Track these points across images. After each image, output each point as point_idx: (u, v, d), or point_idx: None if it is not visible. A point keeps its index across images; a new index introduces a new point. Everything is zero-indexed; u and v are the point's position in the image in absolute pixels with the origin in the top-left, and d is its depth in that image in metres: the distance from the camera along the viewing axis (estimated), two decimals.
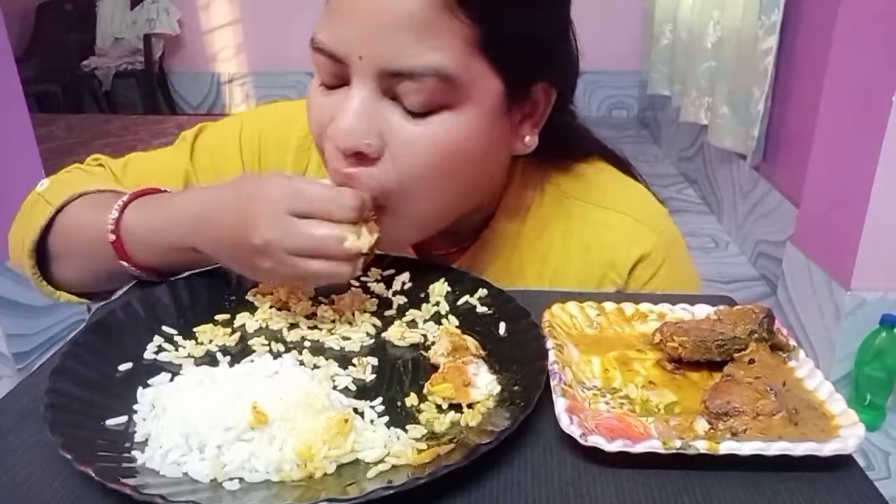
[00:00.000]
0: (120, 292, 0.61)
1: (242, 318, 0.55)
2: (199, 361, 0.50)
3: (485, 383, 0.46)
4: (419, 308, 0.57)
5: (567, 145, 0.68)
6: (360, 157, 0.54)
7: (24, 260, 0.64)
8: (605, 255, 0.67)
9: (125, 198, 0.60)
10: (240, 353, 0.51)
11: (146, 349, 0.51)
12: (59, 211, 0.63)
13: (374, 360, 0.50)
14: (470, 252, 0.69)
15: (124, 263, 0.60)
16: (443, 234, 0.65)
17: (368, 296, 0.59)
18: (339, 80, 0.55)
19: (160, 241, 0.58)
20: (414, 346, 0.53)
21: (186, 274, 0.59)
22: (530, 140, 0.62)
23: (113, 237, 0.59)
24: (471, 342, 0.51)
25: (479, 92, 0.55)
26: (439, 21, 0.51)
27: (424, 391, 0.47)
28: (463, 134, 0.55)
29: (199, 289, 0.58)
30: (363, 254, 0.52)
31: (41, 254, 0.64)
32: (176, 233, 0.57)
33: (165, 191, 0.64)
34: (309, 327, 0.54)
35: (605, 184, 0.71)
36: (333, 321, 0.55)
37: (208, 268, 0.60)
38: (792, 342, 0.51)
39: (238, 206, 0.52)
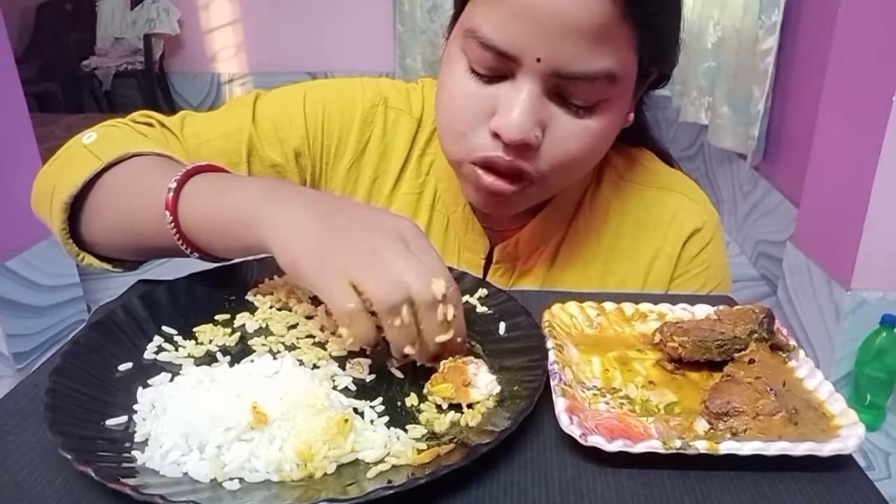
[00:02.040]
0: (120, 292, 0.61)
1: (242, 318, 0.55)
2: (199, 361, 0.50)
3: (485, 383, 0.46)
4: None
5: (636, 129, 0.72)
6: (522, 148, 0.58)
7: (54, 213, 0.60)
8: (660, 230, 0.72)
9: (193, 165, 0.56)
10: (240, 353, 0.51)
11: (146, 349, 0.51)
12: (106, 168, 0.60)
13: (373, 361, 0.50)
14: (529, 226, 0.72)
15: (172, 229, 0.54)
16: None
17: None
18: (497, 73, 0.58)
19: (222, 206, 0.53)
20: None
21: (186, 274, 0.59)
22: (632, 115, 0.67)
23: (171, 194, 0.54)
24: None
25: (629, 85, 0.61)
26: (613, 27, 0.55)
27: (424, 391, 0.47)
28: (614, 123, 0.62)
29: (199, 289, 0.58)
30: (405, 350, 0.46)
31: (72, 210, 0.60)
32: (245, 195, 0.52)
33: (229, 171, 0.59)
34: (309, 328, 0.54)
35: (658, 169, 0.76)
36: (334, 321, 0.55)
37: (209, 268, 0.60)
38: (792, 342, 0.51)
39: (356, 204, 0.52)
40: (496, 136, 0.58)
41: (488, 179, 0.60)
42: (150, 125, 0.70)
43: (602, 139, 0.61)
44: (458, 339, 0.47)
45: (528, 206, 0.67)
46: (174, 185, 0.54)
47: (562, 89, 0.57)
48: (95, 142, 0.62)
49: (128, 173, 0.60)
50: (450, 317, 0.45)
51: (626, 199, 0.73)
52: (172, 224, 0.54)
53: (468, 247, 0.73)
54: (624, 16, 0.54)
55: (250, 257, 0.58)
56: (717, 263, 0.73)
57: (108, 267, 0.64)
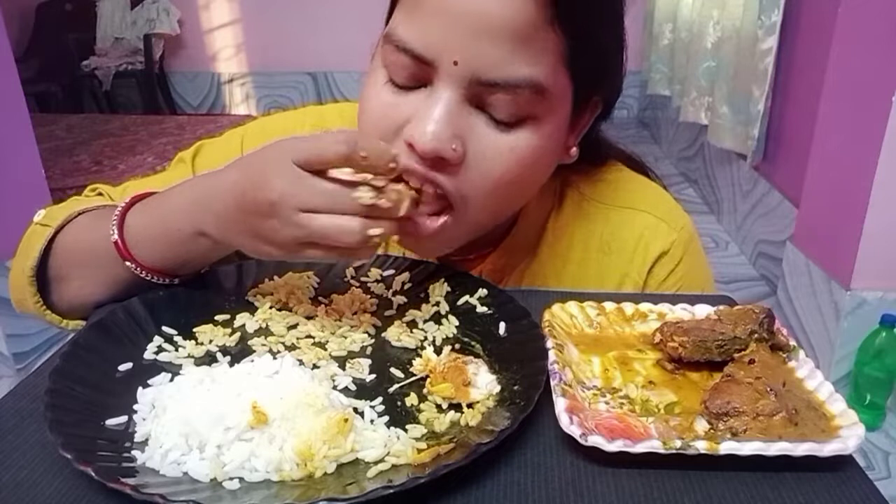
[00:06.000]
0: None
1: (242, 318, 0.55)
2: (199, 361, 0.50)
3: (485, 383, 0.46)
4: (419, 308, 0.57)
5: (593, 152, 0.68)
6: (439, 162, 0.53)
7: (26, 289, 0.61)
8: (625, 255, 0.68)
9: (126, 201, 0.58)
10: (240, 353, 0.51)
11: (146, 349, 0.51)
12: (57, 232, 0.61)
13: (373, 361, 0.50)
14: (491, 258, 0.69)
15: (129, 264, 0.56)
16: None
17: (368, 296, 0.59)
18: (416, 81, 0.54)
19: (166, 232, 0.55)
20: (413, 347, 0.53)
21: None
22: (575, 151, 0.62)
23: (115, 237, 0.56)
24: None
25: (559, 105, 0.56)
26: (538, 33, 0.51)
27: (424, 391, 0.47)
28: (542, 144, 0.56)
29: (199, 289, 0.58)
30: (388, 218, 0.49)
31: (42, 282, 0.61)
32: (181, 218, 0.55)
33: None
34: (309, 328, 0.54)
35: (624, 185, 0.72)
36: (334, 321, 0.55)
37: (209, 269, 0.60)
38: (792, 342, 0.51)
39: (246, 166, 0.51)
40: (411, 146, 0.53)
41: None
42: (100, 195, 0.71)
43: (529, 164, 0.56)
44: (392, 158, 0.48)
45: (457, 243, 0.61)
46: (116, 235, 0.56)
47: (483, 99, 0.53)
48: (44, 216, 0.64)
49: (76, 228, 0.62)
50: (397, 193, 0.48)
51: (590, 223, 0.69)
52: (138, 269, 0.56)
53: None
54: (549, 20, 0.51)
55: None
56: (690, 282, 0.69)
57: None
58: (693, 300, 0.57)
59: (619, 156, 0.74)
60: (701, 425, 0.43)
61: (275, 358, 0.47)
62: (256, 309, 0.56)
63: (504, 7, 0.50)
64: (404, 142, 0.54)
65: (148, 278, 0.57)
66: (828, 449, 0.40)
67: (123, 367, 0.48)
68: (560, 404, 0.43)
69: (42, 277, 0.61)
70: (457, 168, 0.54)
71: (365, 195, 0.47)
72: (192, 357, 0.50)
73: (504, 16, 0.50)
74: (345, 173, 0.48)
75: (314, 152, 0.47)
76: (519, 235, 0.68)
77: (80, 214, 0.63)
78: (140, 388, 0.45)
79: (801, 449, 0.39)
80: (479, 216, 0.58)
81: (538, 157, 0.57)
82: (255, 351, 0.51)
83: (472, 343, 0.53)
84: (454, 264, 0.68)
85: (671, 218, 0.70)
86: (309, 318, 0.56)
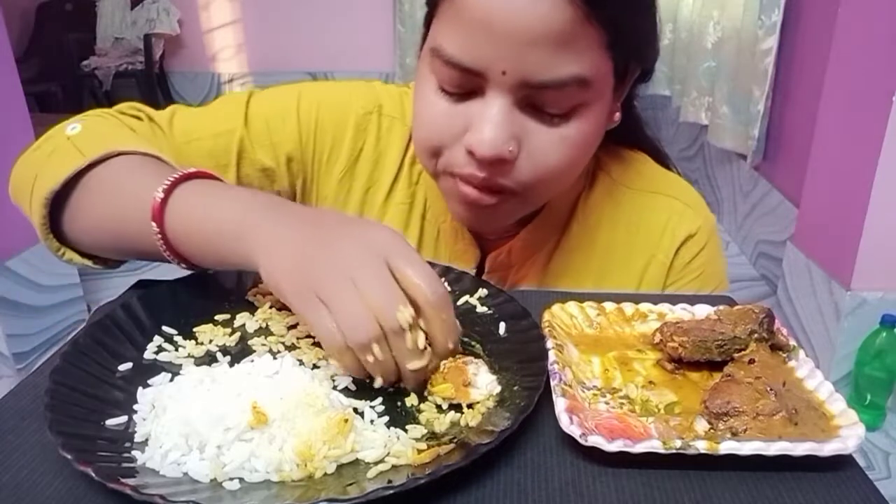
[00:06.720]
0: (120, 292, 0.61)
1: (242, 318, 0.55)
2: (199, 361, 0.50)
3: (485, 383, 0.46)
4: None
5: (629, 127, 0.70)
6: (497, 163, 0.57)
7: (35, 207, 0.58)
8: (654, 236, 0.71)
9: (181, 172, 0.55)
10: (240, 353, 0.51)
11: (146, 349, 0.51)
12: (90, 165, 0.58)
13: None
14: (521, 235, 0.71)
15: (154, 225, 0.53)
16: None
17: None
18: (467, 90, 0.57)
19: (210, 219, 0.52)
20: None
21: (186, 274, 0.59)
22: (618, 115, 0.65)
23: (158, 203, 0.53)
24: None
25: (604, 87, 0.59)
26: (577, 31, 0.53)
27: (424, 391, 0.47)
28: (593, 127, 0.60)
29: (199, 289, 0.58)
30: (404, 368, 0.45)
31: (53, 204, 0.59)
32: (233, 211, 0.51)
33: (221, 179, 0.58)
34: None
35: (653, 173, 0.75)
36: None
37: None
38: (792, 342, 0.51)
39: (342, 218, 0.51)
40: (471, 153, 0.57)
41: (467, 190, 0.59)
42: (139, 118, 0.69)
43: (582, 146, 0.60)
44: (450, 346, 0.46)
45: (515, 219, 0.66)
46: (161, 194, 0.53)
47: (533, 99, 0.56)
48: (79, 135, 0.61)
49: (113, 175, 0.58)
50: (420, 345, 0.44)
51: (618, 205, 0.72)
52: (159, 234, 0.54)
53: (458, 257, 0.72)
54: (587, 17, 0.53)
55: None
56: (712, 269, 0.72)
57: (89, 263, 0.62)
58: (693, 300, 0.57)
59: (646, 141, 0.77)
60: (701, 425, 0.43)
61: (275, 358, 0.47)
62: (256, 309, 0.56)
63: (542, 14, 0.52)
64: (464, 148, 0.57)
65: (164, 252, 0.55)
66: (828, 449, 0.40)
67: (123, 367, 0.48)
68: (560, 404, 0.43)
69: (54, 201, 0.59)
70: (514, 165, 0.57)
71: (404, 316, 0.43)
72: (192, 357, 0.50)
73: (543, 22, 0.52)
74: None
75: (414, 268, 0.45)
76: (550, 213, 0.71)
77: (120, 154, 0.59)
78: (140, 388, 0.45)
79: (801, 449, 0.40)
80: (539, 197, 0.63)
81: (592, 139, 0.61)
82: (255, 351, 0.51)
83: (472, 343, 0.53)
84: (488, 241, 0.72)
85: (697, 205, 0.73)
86: None
